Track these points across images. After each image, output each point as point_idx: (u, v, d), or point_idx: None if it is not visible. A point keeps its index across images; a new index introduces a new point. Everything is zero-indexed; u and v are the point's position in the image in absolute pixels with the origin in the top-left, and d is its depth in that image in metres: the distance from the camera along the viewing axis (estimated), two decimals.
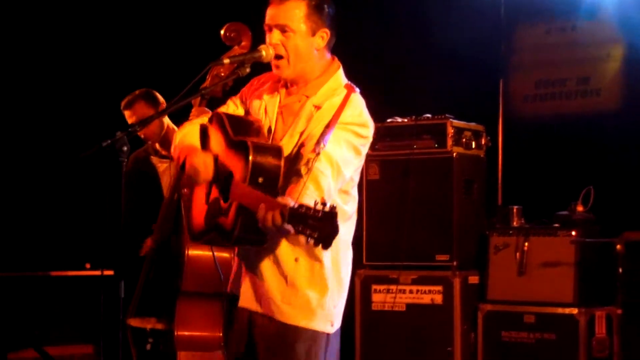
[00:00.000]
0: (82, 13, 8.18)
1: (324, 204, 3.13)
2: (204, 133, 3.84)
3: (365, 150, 3.71)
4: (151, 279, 5.70)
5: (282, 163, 3.50)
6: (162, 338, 5.51)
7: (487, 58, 7.69)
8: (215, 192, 3.65)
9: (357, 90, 3.76)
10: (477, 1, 7.70)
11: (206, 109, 5.36)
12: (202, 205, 3.72)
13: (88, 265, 7.38)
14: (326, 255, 3.67)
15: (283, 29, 3.67)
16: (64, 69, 8.10)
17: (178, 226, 5.28)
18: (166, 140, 5.89)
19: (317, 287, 3.68)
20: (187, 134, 3.85)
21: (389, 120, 7.27)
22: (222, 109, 3.93)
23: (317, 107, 3.68)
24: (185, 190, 3.88)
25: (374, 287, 7.09)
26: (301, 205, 3.14)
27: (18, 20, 7.93)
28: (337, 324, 3.76)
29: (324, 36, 3.71)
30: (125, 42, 8.39)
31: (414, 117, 7.20)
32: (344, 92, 3.70)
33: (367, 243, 7.17)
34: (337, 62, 3.81)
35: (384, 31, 7.97)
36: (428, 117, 7.17)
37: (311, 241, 3.12)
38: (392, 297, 6.98)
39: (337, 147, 3.57)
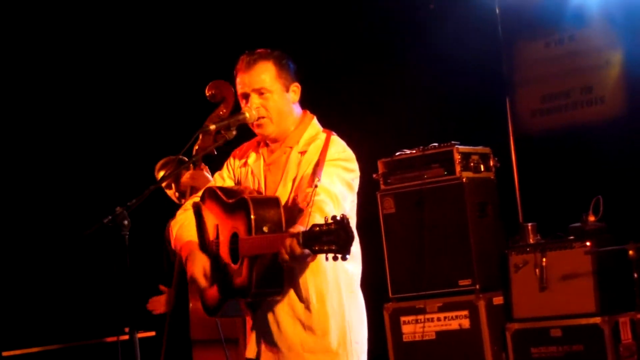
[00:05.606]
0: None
1: (333, 218, 3.22)
2: (197, 212, 3.98)
3: (355, 185, 3.85)
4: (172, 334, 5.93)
5: (282, 210, 3.62)
6: None
7: (489, 78, 7.75)
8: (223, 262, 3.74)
9: (335, 134, 3.91)
10: (473, 20, 7.73)
11: (203, 167, 5.60)
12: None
13: (127, 329, 7.53)
14: (336, 296, 3.76)
15: (260, 92, 3.84)
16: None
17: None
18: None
19: (336, 328, 3.75)
20: (183, 227, 3.96)
21: (397, 153, 7.39)
22: (211, 185, 4.06)
23: (303, 153, 3.84)
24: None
25: (402, 319, 7.17)
26: (313, 226, 3.25)
27: None
28: (364, 357, 3.83)
29: (295, 90, 3.90)
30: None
31: (421, 147, 7.31)
32: (324, 135, 3.88)
33: (391, 276, 7.28)
34: (309, 114, 3.98)
35: (381, 65, 8.00)
36: (435, 146, 7.27)
37: (330, 256, 3.21)
38: (421, 326, 7.06)
39: (331, 182, 3.69)
